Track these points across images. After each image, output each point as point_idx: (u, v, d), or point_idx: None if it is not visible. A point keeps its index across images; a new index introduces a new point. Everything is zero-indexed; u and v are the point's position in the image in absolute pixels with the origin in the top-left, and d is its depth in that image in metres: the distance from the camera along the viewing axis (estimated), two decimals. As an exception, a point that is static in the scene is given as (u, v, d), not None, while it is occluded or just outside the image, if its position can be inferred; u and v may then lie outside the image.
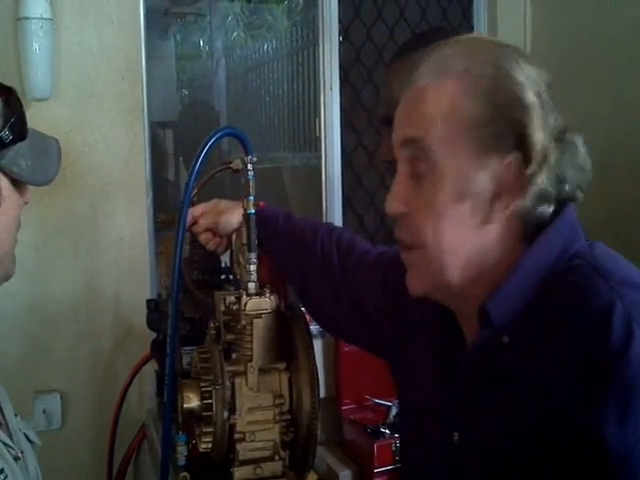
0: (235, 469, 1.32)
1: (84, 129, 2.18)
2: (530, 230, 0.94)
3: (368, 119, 2.86)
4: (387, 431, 2.17)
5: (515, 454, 0.91)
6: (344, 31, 2.76)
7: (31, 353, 2.17)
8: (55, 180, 2.12)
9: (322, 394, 1.36)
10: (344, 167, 2.70)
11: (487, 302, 0.93)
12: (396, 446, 2.11)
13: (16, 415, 1.34)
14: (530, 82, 0.92)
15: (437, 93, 0.94)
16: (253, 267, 1.37)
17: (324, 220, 2.67)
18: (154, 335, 1.84)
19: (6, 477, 1.15)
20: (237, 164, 1.39)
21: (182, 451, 1.41)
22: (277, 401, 1.33)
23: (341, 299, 1.35)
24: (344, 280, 1.35)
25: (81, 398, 2.23)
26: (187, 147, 4.32)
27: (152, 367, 1.97)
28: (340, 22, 2.64)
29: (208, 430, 1.31)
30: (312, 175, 3.22)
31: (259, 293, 1.35)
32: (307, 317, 1.41)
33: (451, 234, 0.94)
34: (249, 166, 1.37)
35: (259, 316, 1.32)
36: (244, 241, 1.39)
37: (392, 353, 1.23)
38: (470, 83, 0.93)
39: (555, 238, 0.94)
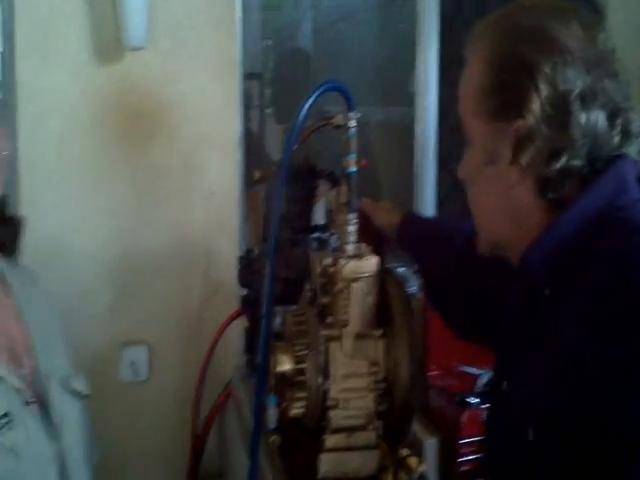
0: (327, 436, 1.28)
1: (178, 80, 2.15)
2: (568, 188, 0.97)
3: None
4: (475, 400, 2.10)
5: (553, 410, 0.92)
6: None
7: (119, 304, 2.18)
8: (149, 132, 2.14)
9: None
10: (440, 125, 2.60)
11: (525, 252, 0.99)
12: (485, 417, 2.04)
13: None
14: (554, 44, 0.94)
15: (468, 66, 1.05)
16: (353, 228, 1.32)
17: (415, 182, 2.59)
18: (243, 291, 1.82)
19: (10, 421, 1.15)
20: (339, 119, 1.33)
21: (273, 414, 1.39)
22: (372, 369, 1.28)
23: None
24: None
25: (169, 351, 2.24)
26: (275, 99, 4.27)
27: (240, 324, 1.96)
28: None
29: (301, 395, 1.27)
30: (401, 131, 3.13)
31: (358, 255, 1.30)
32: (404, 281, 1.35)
33: (484, 197, 1.05)
34: (352, 122, 1.31)
35: (357, 280, 1.27)
36: (343, 200, 1.34)
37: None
38: (489, 53, 1.00)
39: (595, 193, 0.96)
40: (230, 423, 2.04)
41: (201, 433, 2.21)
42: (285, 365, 1.28)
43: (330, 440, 1.28)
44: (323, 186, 1.65)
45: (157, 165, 2.16)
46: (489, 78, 0.99)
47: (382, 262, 1.37)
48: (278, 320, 1.51)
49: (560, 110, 0.94)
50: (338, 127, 1.32)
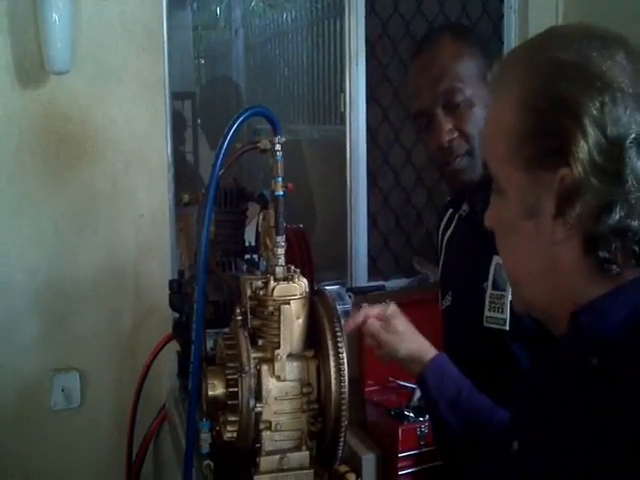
0: (261, 459, 1.28)
1: (104, 103, 2.13)
2: (623, 256, 0.84)
3: (394, 94, 2.79)
4: (411, 414, 2.13)
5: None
6: (370, 3, 2.67)
7: (50, 330, 2.15)
8: (75, 155, 2.12)
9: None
10: (369, 144, 2.64)
11: (581, 311, 0.86)
12: (421, 430, 2.07)
13: None
14: (600, 80, 0.81)
15: (497, 107, 0.92)
16: (281, 251, 1.32)
17: (348, 199, 2.62)
18: (175, 314, 1.80)
19: None
20: (265, 144, 1.34)
21: (206, 438, 1.37)
22: (305, 390, 1.28)
23: None
24: None
25: (101, 377, 2.21)
26: (207, 119, 4.26)
27: (173, 347, 1.94)
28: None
29: (233, 419, 1.27)
30: (333, 149, 3.16)
31: (287, 278, 1.30)
32: (333, 301, 1.36)
33: (520, 253, 0.92)
34: (277, 147, 1.31)
35: (287, 302, 1.28)
36: (271, 224, 1.34)
37: None
38: (523, 92, 0.87)
39: None
40: (165, 447, 2.02)
41: (136, 458, 2.18)
42: (217, 389, 1.27)
43: (264, 462, 1.28)
44: (253, 208, 1.65)
45: (84, 189, 2.14)
46: (525, 121, 0.86)
47: (311, 283, 1.39)
48: (210, 344, 1.50)
49: (612, 158, 0.80)
50: (264, 151, 1.33)
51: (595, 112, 0.80)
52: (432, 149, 1.53)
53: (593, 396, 0.83)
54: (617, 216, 0.81)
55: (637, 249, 0.82)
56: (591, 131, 0.80)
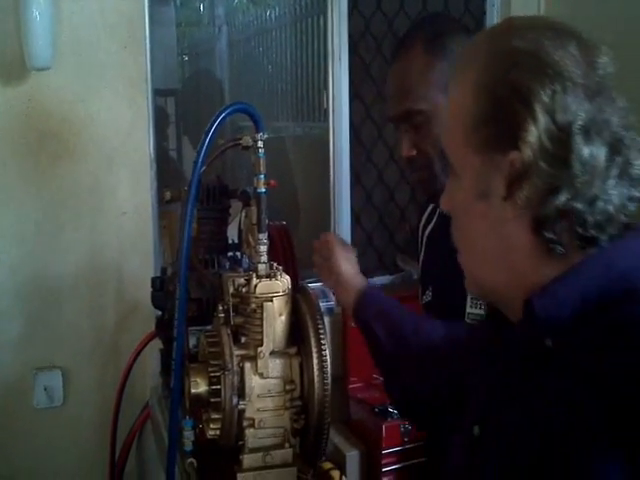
0: (244, 456, 1.28)
1: (86, 99, 2.12)
2: (568, 237, 0.86)
3: (377, 91, 2.80)
4: (395, 411, 2.14)
5: (519, 465, 0.86)
6: (353, 0, 2.67)
7: (32, 329, 2.13)
8: (57, 152, 2.10)
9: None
10: (352, 141, 2.64)
11: (533, 296, 0.88)
12: (404, 427, 2.07)
13: None
14: (552, 69, 0.84)
15: (455, 92, 0.95)
16: (263, 248, 1.32)
17: (331, 196, 2.62)
18: (158, 312, 1.80)
19: None
20: (247, 141, 1.33)
21: (189, 436, 1.37)
22: (288, 387, 1.29)
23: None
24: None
25: (83, 375, 2.20)
26: (190, 115, 4.24)
27: (156, 344, 1.93)
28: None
29: (216, 416, 1.27)
30: (316, 146, 3.16)
31: (270, 275, 1.30)
32: (316, 298, 1.36)
33: (473, 234, 0.95)
34: (260, 143, 1.31)
35: (270, 299, 1.28)
36: (254, 221, 1.34)
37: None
38: (480, 78, 0.90)
39: (624, 252, 0.86)
40: (149, 445, 2.02)
41: (119, 456, 2.17)
42: (200, 387, 1.28)
43: (247, 460, 1.28)
44: (236, 205, 1.65)
45: (66, 186, 2.13)
46: (482, 106, 0.89)
47: (294, 280, 1.39)
48: (193, 341, 1.49)
49: (560, 144, 0.83)
50: (246, 148, 1.33)
51: (546, 99, 0.83)
52: (398, 155, 1.59)
53: (545, 379, 0.86)
54: (563, 199, 0.84)
55: (581, 231, 0.85)
56: (541, 117, 0.83)
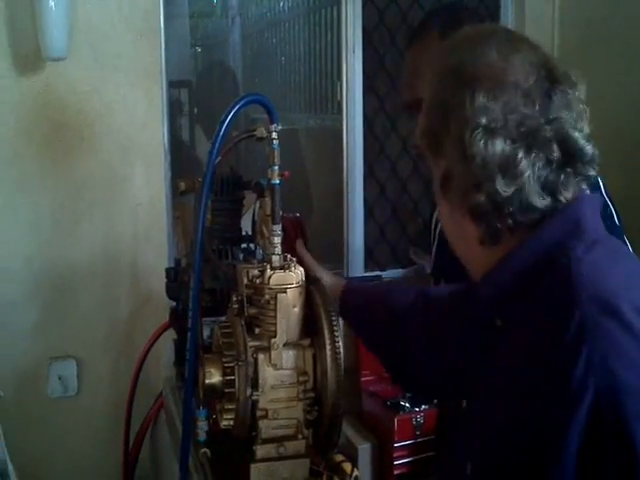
0: (257, 447, 1.29)
1: (101, 90, 2.13)
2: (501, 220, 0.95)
3: (391, 84, 2.79)
4: (407, 404, 2.14)
5: (489, 450, 0.92)
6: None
7: (47, 319, 2.15)
8: (72, 143, 2.11)
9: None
10: (365, 133, 2.64)
11: (479, 283, 1.02)
12: (416, 420, 2.07)
13: None
14: (471, 79, 0.94)
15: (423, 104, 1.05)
16: (277, 239, 1.33)
17: (344, 188, 2.61)
18: (172, 302, 1.80)
19: None
20: (261, 132, 1.34)
21: (203, 426, 1.37)
22: (301, 378, 1.29)
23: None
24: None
25: (98, 365, 2.21)
26: (203, 107, 4.24)
27: (170, 335, 1.94)
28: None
29: (230, 407, 1.27)
30: (329, 138, 3.15)
31: (284, 266, 1.31)
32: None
33: (444, 219, 1.08)
34: (274, 135, 1.31)
35: (284, 291, 1.28)
36: (267, 212, 1.34)
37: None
38: (427, 95, 1.03)
39: (546, 232, 0.95)
40: (162, 435, 2.02)
41: (133, 446, 2.18)
42: (214, 377, 1.28)
43: (260, 450, 1.29)
44: (250, 196, 1.65)
45: (81, 176, 2.13)
46: (425, 120, 1.02)
47: (308, 273, 1.39)
48: (206, 332, 1.50)
49: (467, 145, 0.92)
50: (260, 139, 1.33)
51: (457, 109, 0.94)
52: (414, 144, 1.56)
53: (497, 356, 0.97)
54: (482, 194, 0.93)
55: (508, 220, 0.94)
56: (453, 126, 0.95)
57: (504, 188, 0.91)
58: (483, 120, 0.91)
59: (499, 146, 0.91)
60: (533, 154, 0.91)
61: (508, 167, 0.91)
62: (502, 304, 0.98)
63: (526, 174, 0.91)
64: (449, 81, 0.97)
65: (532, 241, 0.95)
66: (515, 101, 0.92)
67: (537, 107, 0.92)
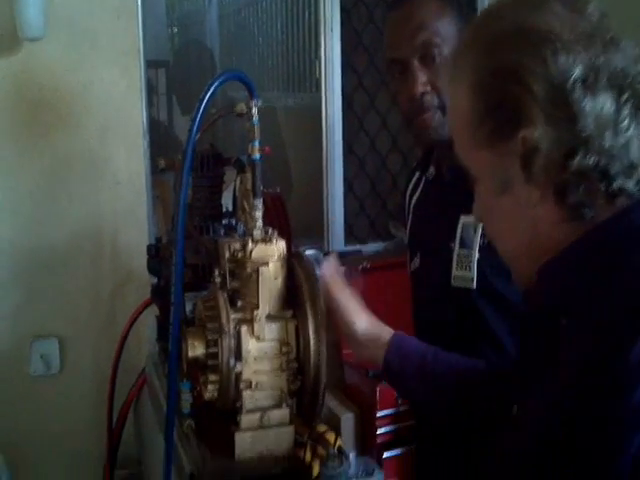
0: (241, 417, 1.30)
1: (79, 70, 2.12)
2: (591, 199, 0.85)
3: (369, 60, 2.80)
4: (388, 375, 2.16)
5: (546, 446, 0.85)
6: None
7: (28, 299, 2.16)
8: (50, 122, 2.11)
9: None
10: (344, 110, 2.65)
11: (541, 269, 0.90)
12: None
13: None
14: (537, 37, 0.83)
15: (453, 97, 0.96)
16: (259, 213, 1.34)
17: (324, 164, 2.63)
18: (153, 279, 1.82)
19: None
20: (241, 108, 1.34)
21: (187, 399, 1.39)
22: (284, 349, 1.31)
23: None
24: None
25: (80, 343, 2.22)
26: (181, 87, 4.23)
27: (152, 312, 1.95)
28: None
29: (214, 378, 1.29)
30: (308, 115, 3.16)
31: (265, 239, 1.32)
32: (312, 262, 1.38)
33: (506, 231, 0.94)
34: (254, 110, 1.32)
35: (265, 263, 1.30)
36: (248, 187, 1.36)
37: None
38: (473, 75, 0.90)
39: (626, 214, 0.85)
40: (146, 411, 2.04)
41: (117, 423, 2.20)
42: (197, 350, 1.29)
43: (245, 420, 1.31)
44: (230, 173, 1.66)
45: (60, 156, 2.14)
46: (479, 102, 0.89)
47: (289, 247, 1.41)
48: (189, 307, 1.51)
49: (561, 104, 0.82)
50: (240, 115, 1.34)
51: (538, 68, 0.82)
52: (403, 100, 1.52)
53: (558, 356, 0.86)
54: (579, 159, 0.82)
55: (605, 186, 0.84)
56: (536, 87, 0.82)
57: (612, 143, 0.82)
58: (577, 72, 0.82)
59: (600, 99, 0.82)
60: (632, 105, 0.83)
61: (614, 121, 0.82)
62: (568, 297, 0.88)
63: (631, 128, 0.83)
64: (516, 44, 0.85)
65: (610, 222, 0.85)
66: (598, 49, 0.83)
67: (625, 56, 0.85)
